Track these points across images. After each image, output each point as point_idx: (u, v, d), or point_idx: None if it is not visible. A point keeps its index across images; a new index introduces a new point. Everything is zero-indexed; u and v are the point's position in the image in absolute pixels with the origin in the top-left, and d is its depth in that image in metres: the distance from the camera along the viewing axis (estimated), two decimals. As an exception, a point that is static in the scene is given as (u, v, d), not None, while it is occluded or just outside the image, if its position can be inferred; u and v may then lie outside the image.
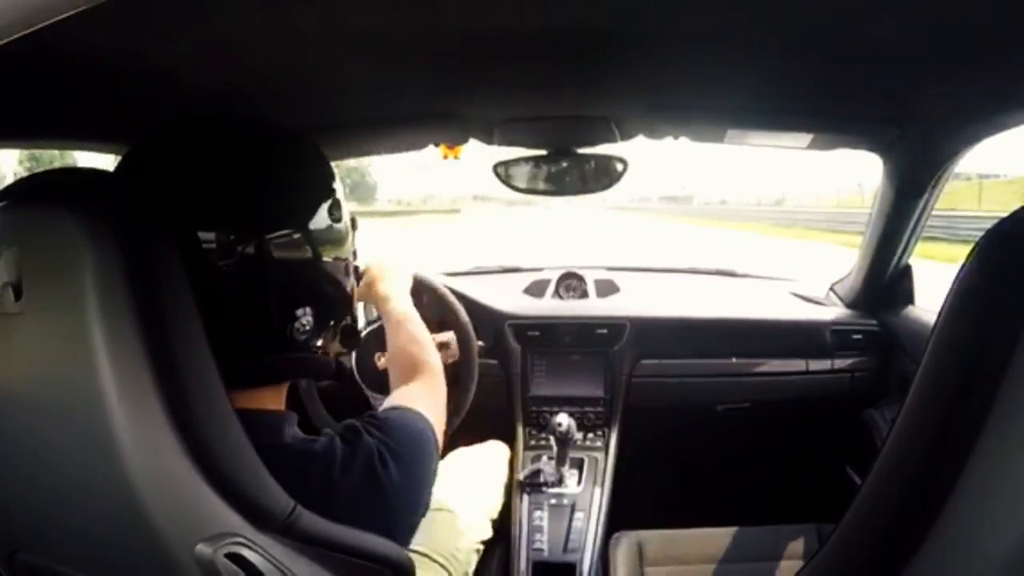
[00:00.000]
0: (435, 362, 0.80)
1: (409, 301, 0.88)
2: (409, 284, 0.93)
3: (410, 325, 0.83)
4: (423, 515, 0.60)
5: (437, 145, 1.14)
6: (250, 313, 0.53)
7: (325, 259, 0.57)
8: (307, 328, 0.56)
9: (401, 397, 0.70)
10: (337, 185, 0.60)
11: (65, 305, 0.41)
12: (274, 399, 0.58)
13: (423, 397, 0.70)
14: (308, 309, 0.55)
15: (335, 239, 0.59)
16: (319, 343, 0.59)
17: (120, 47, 0.54)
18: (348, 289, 0.62)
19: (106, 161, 0.95)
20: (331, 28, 0.59)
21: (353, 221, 0.63)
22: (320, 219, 0.57)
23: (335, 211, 0.59)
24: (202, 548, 0.42)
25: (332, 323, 0.61)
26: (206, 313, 0.46)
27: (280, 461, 0.50)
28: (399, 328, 0.83)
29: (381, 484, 0.54)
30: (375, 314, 1.15)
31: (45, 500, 0.46)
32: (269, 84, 0.76)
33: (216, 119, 0.55)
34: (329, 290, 0.59)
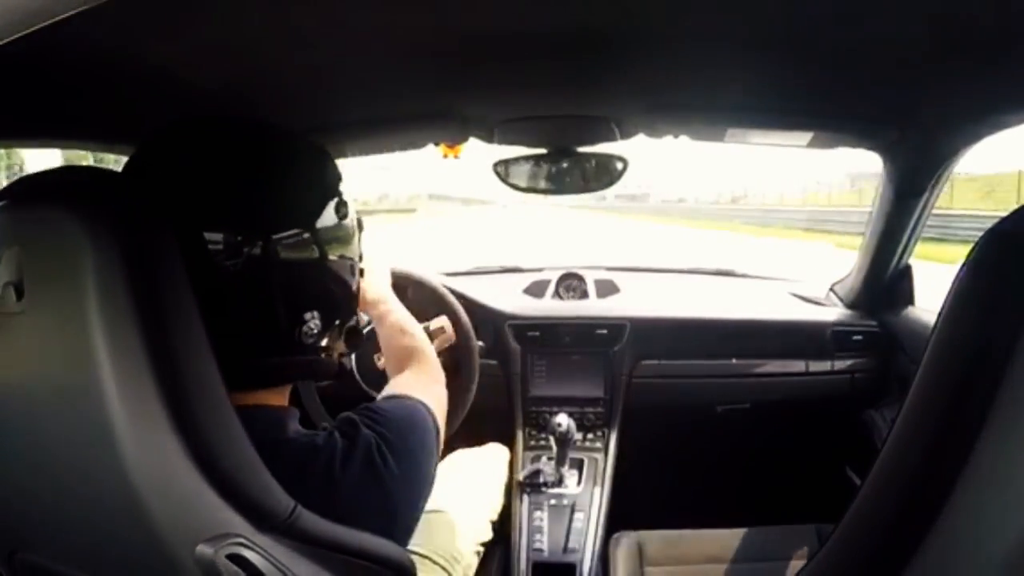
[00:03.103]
0: (427, 349, 0.80)
1: (391, 293, 0.88)
2: (387, 278, 0.92)
3: (395, 316, 0.83)
4: (421, 511, 0.60)
5: (437, 144, 1.14)
6: (257, 314, 0.53)
7: (331, 258, 0.57)
8: (315, 331, 0.55)
9: (397, 386, 0.69)
10: (342, 183, 0.60)
11: (66, 305, 0.41)
12: (277, 396, 0.58)
13: (420, 386, 0.69)
14: (316, 312, 0.55)
15: (342, 238, 0.58)
16: (324, 343, 0.59)
17: (120, 47, 0.54)
18: (354, 288, 0.62)
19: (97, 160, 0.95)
20: (331, 28, 0.59)
21: (359, 222, 0.63)
22: (327, 218, 0.56)
23: (341, 209, 0.58)
24: (203, 549, 0.42)
25: (338, 323, 0.61)
26: (211, 314, 0.46)
27: (283, 456, 0.50)
28: (385, 320, 0.83)
29: (381, 477, 0.54)
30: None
31: (46, 500, 0.46)
32: (269, 84, 0.75)
33: (218, 120, 0.55)
34: (335, 290, 0.59)
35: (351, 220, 0.60)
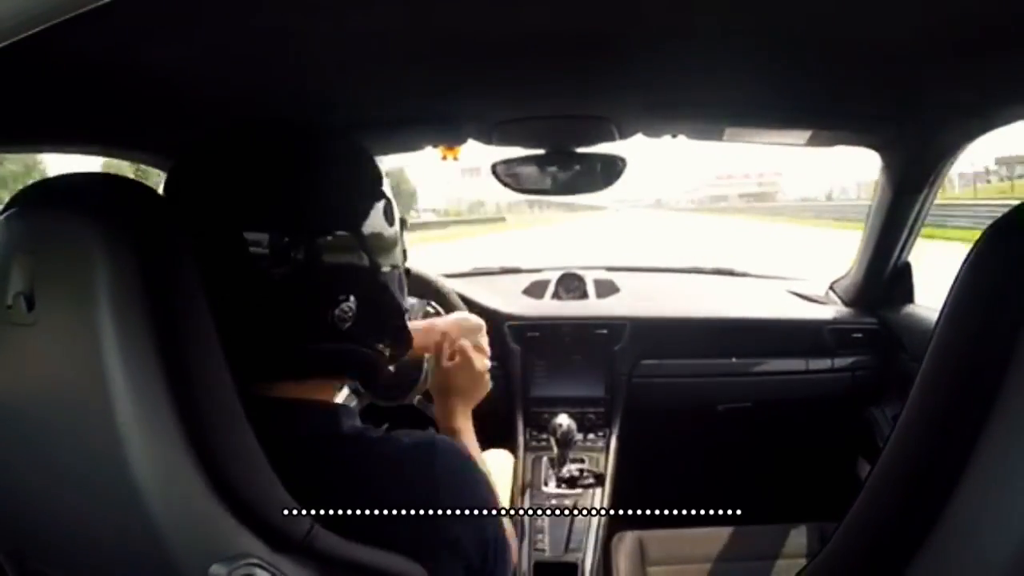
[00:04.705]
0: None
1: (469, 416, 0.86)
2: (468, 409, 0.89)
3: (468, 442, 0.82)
4: (469, 550, 0.55)
5: (436, 147, 1.14)
6: (297, 306, 0.51)
7: (383, 269, 0.56)
8: (349, 315, 0.53)
9: None
10: (387, 187, 0.59)
11: (79, 315, 0.40)
12: (325, 392, 0.57)
13: None
14: (352, 296, 0.53)
15: (388, 245, 0.57)
16: (366, 336, 0.57)
17: (121, 50, 0.54)
18: (398, 296, 0.60)
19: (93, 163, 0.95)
20: (330, 29, 0.59)
21: (403, 222, 0.62)
22: (373, 222, 0.55)
23: (388, 214, 0.57)
24: (216, 570, 0.40)
25: (380, 315, 0.58)
26: (250, 314, 0.47)
27: (333, 451, 0.51)
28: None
29: (432, 483, 0.52)
30: None
31: (57, 513, 0.45)
32: (268, 86, 0.75)
33: (267, 123, 0.55)
34: (381, 293, 0.57)
35: (396, 226, 0.59)
